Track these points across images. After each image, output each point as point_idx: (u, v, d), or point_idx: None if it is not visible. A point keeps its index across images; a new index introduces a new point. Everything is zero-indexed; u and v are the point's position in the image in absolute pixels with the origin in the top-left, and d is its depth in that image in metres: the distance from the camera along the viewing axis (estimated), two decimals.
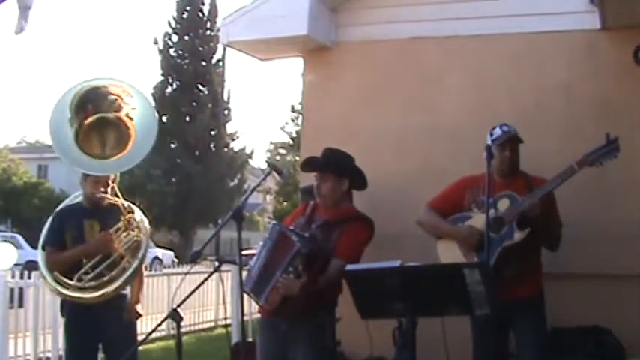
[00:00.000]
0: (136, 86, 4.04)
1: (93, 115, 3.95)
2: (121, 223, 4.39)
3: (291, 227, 4.18)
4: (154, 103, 4.03)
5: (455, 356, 3.97)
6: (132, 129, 3.96)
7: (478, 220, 4.19)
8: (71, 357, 4.50)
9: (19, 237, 20.16)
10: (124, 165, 4.05)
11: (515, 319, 4.14)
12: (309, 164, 4.47)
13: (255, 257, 4.14)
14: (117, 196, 4.45)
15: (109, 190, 4.44)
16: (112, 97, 3.99)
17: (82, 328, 4.39)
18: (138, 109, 4.00)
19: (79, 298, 4.29)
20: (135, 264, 4.38)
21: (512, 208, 4.11)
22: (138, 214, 4.51)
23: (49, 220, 4.61)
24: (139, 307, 4.65)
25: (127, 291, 4.61)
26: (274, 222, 4.19)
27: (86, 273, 4.29)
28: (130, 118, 3.97)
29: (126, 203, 4.48)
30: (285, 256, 3.85)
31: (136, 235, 4.41)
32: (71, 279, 4.30)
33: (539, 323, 4.21)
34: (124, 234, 4.39)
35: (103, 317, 4.32)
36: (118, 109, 3.99)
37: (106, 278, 4.28)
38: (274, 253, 3.98)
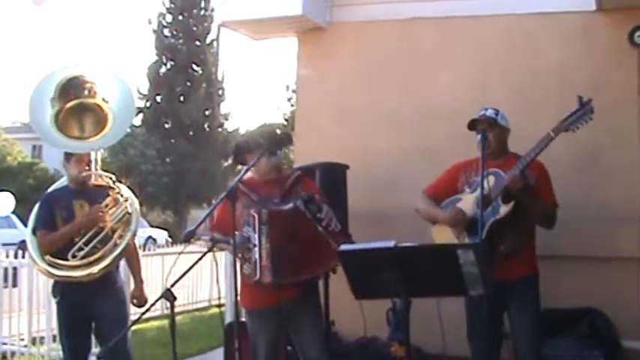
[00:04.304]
0: (112, 70, 4.42)
1: (73, 100, 4.30)
2: (109, 199, 4.39)
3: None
4: (133, 84, 4.31)
5: (449, 336, 3.98)
6: (108, 112, 4.31)
7: (467, 201, 4.21)
8: (64, 337, 4.49)
9: (12, 217, 20.04)
10: (106, 142, 4.46)
11: (510, 300, 4.15)
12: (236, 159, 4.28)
13: (251, 255, 3.87)
14: (101, 176, 4.46)
15: (92, 168, 4.43)
16: (89, 84, 4.34)
17: (74, 308, 4.38)
18: (115, 92, 4.35)
19: (71, 277, 4.28)
20: (127, 238, 4.37)
21: (497, 183, 4.11)
22: (125, 190, 4.51)
23: (37, 205, 4.56)
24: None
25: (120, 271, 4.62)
26: (252, 210, 3.89)
27: (80, 249, 4.28)
28: (106, 102, 4.33)
29: (112, 180, 4.47)
30: (299, 217, 3.83)
31: (126, 209, 4.40)
32: (63, 259, 4.28)
33: (533, 304, 4.20)
34: (114, 209, 4.38)
35: (94, 297, 4.31)
36: (95, 95, 4.34)
37: (98, 254, 4.27)
38: (282, 226, 3.85)
